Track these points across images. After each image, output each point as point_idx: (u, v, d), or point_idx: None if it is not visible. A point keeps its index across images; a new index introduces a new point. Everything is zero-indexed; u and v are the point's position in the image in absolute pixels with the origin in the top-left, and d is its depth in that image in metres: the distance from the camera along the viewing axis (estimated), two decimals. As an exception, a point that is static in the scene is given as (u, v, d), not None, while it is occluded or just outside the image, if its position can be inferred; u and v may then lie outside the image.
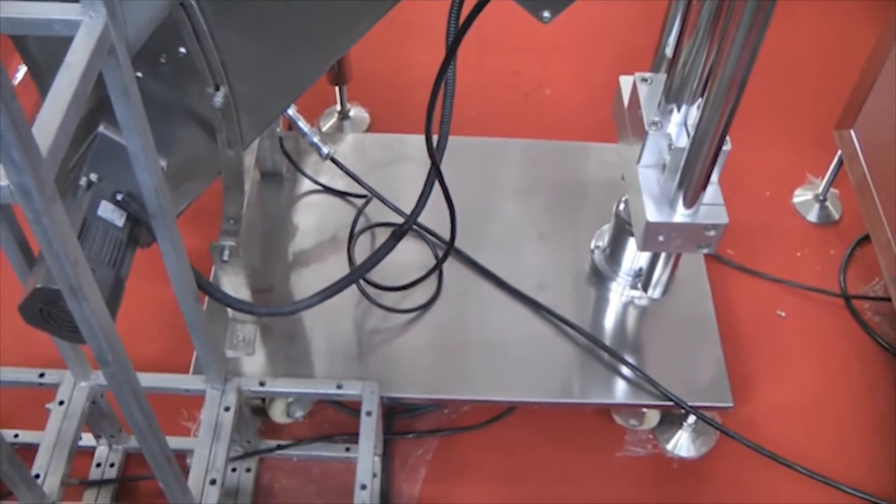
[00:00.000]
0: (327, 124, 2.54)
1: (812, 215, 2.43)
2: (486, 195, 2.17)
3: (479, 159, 2.23)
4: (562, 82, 2.75)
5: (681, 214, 1.62)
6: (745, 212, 2.36)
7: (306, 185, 2.17)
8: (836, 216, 2.43)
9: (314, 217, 2.11)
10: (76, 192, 1.44)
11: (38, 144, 0.91)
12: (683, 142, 1.60)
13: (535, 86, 2.72)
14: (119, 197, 1.44)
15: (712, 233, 1.64)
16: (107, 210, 1.43)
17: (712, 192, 1.62)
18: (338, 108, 2.53)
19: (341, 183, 2.15)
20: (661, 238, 1.64)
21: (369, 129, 2.54)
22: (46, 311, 1.30)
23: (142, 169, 1.28)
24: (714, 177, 1.60)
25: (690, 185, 1.57)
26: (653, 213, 1.62)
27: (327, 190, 2.14)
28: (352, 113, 2.54)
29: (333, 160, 2.04)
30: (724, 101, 1.44)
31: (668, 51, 1.71)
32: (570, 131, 2.53)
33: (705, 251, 1.68)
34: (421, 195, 1.56)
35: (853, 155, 2.16)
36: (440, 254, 2.01)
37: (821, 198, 2.43)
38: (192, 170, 1.59)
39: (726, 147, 1.54)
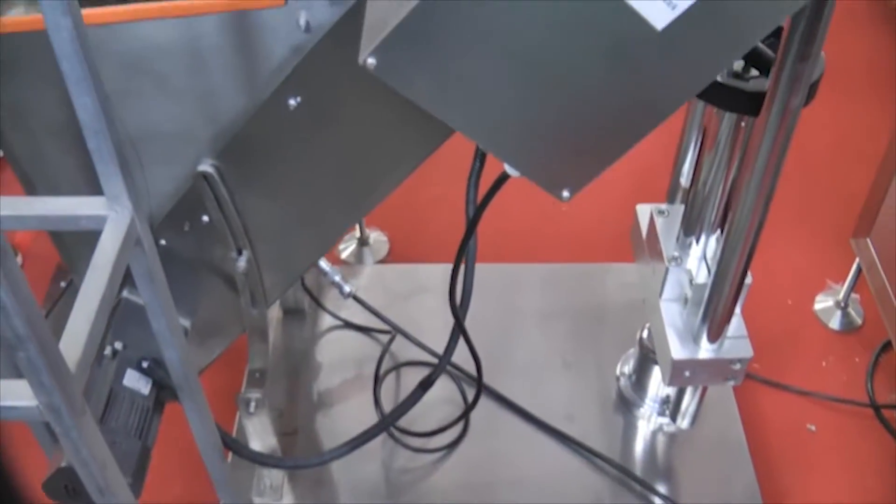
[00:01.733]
0: (347, 250, 2.56)
1: (834, 322, 2.41)
2: (508, 323, 2.17)
3: (499, 286, 2.24)
4: (577, 198, 2.76)
5: (705, 350, 1.61)
6: (768, 321, 2.35)
7: (329, 319, 2.17)
8: (859, 322, 2.42)
9: (338, 353, 2.12)
10: (101, 361, 1.45)
11: (67, 361, 0.92)
12: (704, 277, 1.61)
13: (551, 202, 2.73)
14: (145, 364, 1.45)
15: (738, 366, 1.63)
16: (132, 378, 1.44)
17: (736, 325, 1.62)
18: (357, 234, 2.55)
19: (364, 316, 2.15)
20: (687, 374, 1.64)
21: (389, 254, 2.56)
22: (71, 488, 1.30)
23: (167, 345, 1.29)
24: (737, 308, 1.60)
25: (714, 320, 1.57)
26: (678, 350, 1.61)
27: (350, 326, 2.15)
28: (371, 238, 2.56)
29: (355, 298, 2.05)
30: (745, 237, 1.44)
31: (683, 180, 1.72)
32: (588, 249, 2.53)
33: (732, 384, 1.67)
34: (446, 350, 1.56)
35: (871, 263, 2.16)
36: (466, 390, 2.00)
37: (842, 304, 2.42)
38: (216, 327, 1.60)
39: (748, 280, 1.55)
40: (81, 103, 1.00)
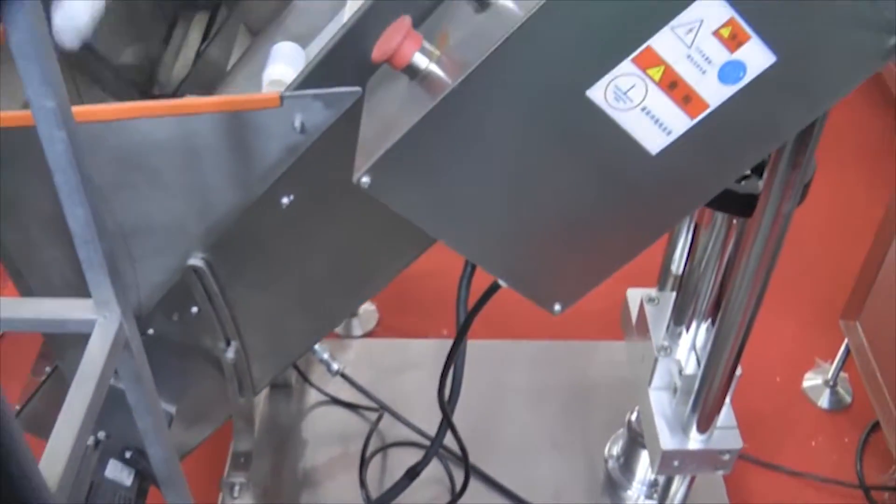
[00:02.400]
0: (335, 321, 2.54)
1: (823, 401, 2.41)
2: (497, 401, 2.16)
3: (488, 363, 2.22)
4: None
5: (695, 440, 1.60)
6: (757, 400, 2.34)
7: (316, 395, 2.16)
8: (848, 400, 2.41)
9: (325, 429, 2.10)
10: (84, 452, 1.43)
11: (47, 481, 0.91)
12: (693, 368, 1.60)
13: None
14: (128, 455, 1.44)
15: (727, 457, 1.62)
16: (115, 469, 1.43)
17: (725, 415, 1.61)
18: (345, 304, 2.54)
19: (352, 392, 2.14)
20: (676, 463, 1.63)
21: (378, 325, 2.55)
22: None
23: (152, 443, 1.27)
24: (727, 398, 1.59)
25: (704, 411, 1.56)
26: (667, 440, 1.60)
27: (338, 402, 2.13)
28: (360, 309, 2.55)
29: (343, 375, 2.04)
30: (736, 331, 1.44)
31: (675, 267, 1.73)
32: (576, 326, 2.52)
33: (721, 473, 1.66)
34: (433, 441, 1.55)
35: (860, 346, 2.16)
36: (454, 470, 1.98)
37: (831, 383, 2.41)
38: (202, 413, 1.59)
39: (738, 372, 1.54)
40: (73, 214, 1.00)
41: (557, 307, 1.08)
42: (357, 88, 1.16)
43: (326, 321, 1.50)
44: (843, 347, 2.32)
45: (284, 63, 1.36)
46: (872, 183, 2.97)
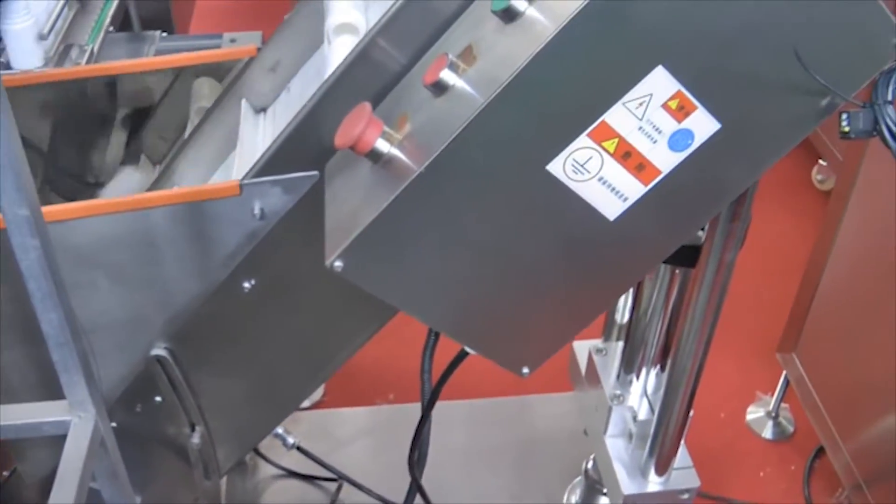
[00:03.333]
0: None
1: (767, 432, 2.48)
2: (453, 461, 2.17)
3: (443, 424, 2.23)
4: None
5: (654, 483, 1.64)
6: (704, 436, 2.39)
7: (273, 469, 2.14)
8: (791, 430, 2.49)
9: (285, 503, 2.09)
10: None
11: None
12: (646, 413, 1.65)
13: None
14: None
15: (686, 496, 1.66)
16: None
17: (681, 456, 1.65)
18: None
19: (308, 464, 2.13)
20: (637, 507, 1.66)
21: (325, 395, 2.54)
22: None
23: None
24: (682, 440, 1.64)
25: (661, 454, 1.61)
26: (627, 485, 1.64)
27: (295, 475, 2.12)
28: (306, 380, 2.54)
29: (299, 448, 2.03)
30: (686, 376, 1.49)
31: (619, 317, 1.78)
32: (520, 381, 2.56)
33: (681, 513, 1.70)
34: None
35: (799, 377, 2.24)
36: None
37: (773, 415, 2.48)
38: (167, 498, 1.58)
39: (691, 413, 1.59)
40: (47, 318, 1.00)
41: (525, 370, 1.12)
42: (315, 173, 1.19)
43: (291, 400, 1.51)
44: (782, 379, 2.40)
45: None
46: (796, 215, 3.08)
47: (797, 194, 3.22)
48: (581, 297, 1.09)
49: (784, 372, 2.35)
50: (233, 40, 1.67)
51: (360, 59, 1.14)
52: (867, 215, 1.97)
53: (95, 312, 1.29)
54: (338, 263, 0.99)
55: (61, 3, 1.83)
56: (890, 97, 0.97)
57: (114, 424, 1.43)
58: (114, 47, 1.82)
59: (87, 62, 1.74)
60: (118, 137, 1.68)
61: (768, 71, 0.94)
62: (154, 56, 1.73)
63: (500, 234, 1.01)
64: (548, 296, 1.08)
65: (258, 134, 1.44)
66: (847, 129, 0.98)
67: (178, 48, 1.75)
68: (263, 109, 1.50)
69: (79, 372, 1.05)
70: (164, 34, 1.84)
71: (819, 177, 3.14)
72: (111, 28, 1.90)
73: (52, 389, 1.13)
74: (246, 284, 1.30)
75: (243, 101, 1.46)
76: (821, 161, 3.11)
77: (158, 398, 1.41)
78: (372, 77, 1.15)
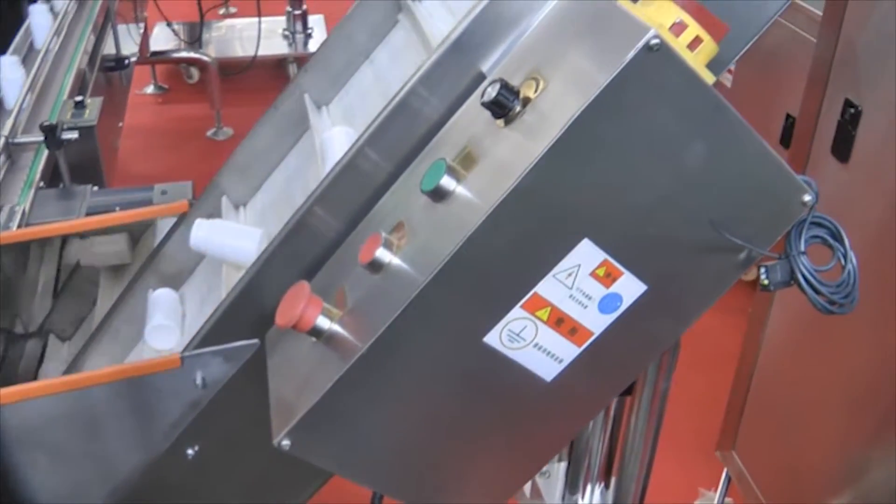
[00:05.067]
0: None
1: (713, 529, 2.50)
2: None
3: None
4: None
5: None
6: (649, 538, 2.41)
7: None
8: (736, 525, 2.52)
9: None
10: None
11: None
12: (597, 533, 1.66)
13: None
14: None
15: None
16: None
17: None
18: None
19: None
20: None
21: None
22: None
23: None
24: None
25: (613, 571, 1.62)
26: None
27: None
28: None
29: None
30: (633, 491, 1.51)
31: (561, 436, 1.80)
32: None
33: None
34: None
35: (740, 472, 2.28)
36: None
37: (717, 510, 2.51)
38: None
39: (639, 527, 1.61)
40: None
41: (476, 523, 1.14)
42: (255, 341, 1.20)
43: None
44: (724, 475, 2.44)
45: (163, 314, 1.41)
46: (722, 308, 3.14)
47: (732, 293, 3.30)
48: (524, 454, 1.11)
49: (725, 469, 2.39)
50: (164, 192, 1.69)
51: (298, 228, 1.17)
52: (794, 305, 2.03)
53: (34, 490, 1.28)
54: (285, 442, 1.00)
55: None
56: (803, 248, 1.03)
57: None
58: (45, 205, 1.82)
59: (19, 224, 1.74)
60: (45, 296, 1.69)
61: (688, 235, 0.98)
62: (85, 215, 1.74)
63: (443, 402, 1.04)
64: (492, 455, 1.10)
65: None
66: (766, 281, 1.03)
67: (110, 203, 1.76)
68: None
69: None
70: (95, 188, 1.85)
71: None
72: (41, 184, 1.91)
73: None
74: (189, 451, 1.29)
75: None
76: (742, 252, 3.20)
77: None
78: (309, 245, 1.17)
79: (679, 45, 0.93)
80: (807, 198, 1.00)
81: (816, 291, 1.03)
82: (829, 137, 1.80)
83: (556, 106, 0.91)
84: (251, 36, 4.64)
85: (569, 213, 0.93)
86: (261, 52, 4.56)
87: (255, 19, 4.54)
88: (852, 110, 1.71)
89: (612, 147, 0.91)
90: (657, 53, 0.85)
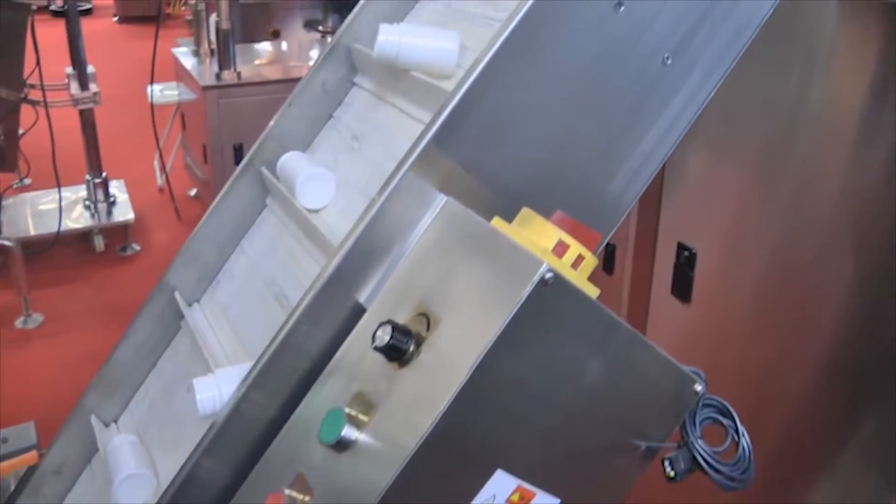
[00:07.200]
0: None
1: None
2: None
3: None
4: None
5: None
6: None
7: None
8: None
9: None
10: None
11: None
12: None
13: None
14: None
15: None
16: None
17: None
18: None
19: None
20: None
21: None
22: None
23: None
24: None
25: None
26: None
27: None
28: None
29: None
30: None
31: None
32: None
33: None
34: None
35: None
36: None
37: None
38: None
39: None
40: None
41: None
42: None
43: None
44: None
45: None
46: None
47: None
48: None
49: None
50: (5, 440, 1.54)
51: (188, 482, 1.09)
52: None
53: None
54: None
55: None
56: (699, 432, 1.05)
57: None
58: None
59: None
60: None
61: (593, 444, 0.99)
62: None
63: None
64: None
65: None
66: (672, 473, 1.04)
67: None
68: None
69: None
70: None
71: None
72: None
73: None
74: None
75: None
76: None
77: None
78: (201, 498, 1.10)
79: (564, 266, 0.94)
80: (698, 387, 1.03)
81: (717, 472, 1.04)
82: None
83: (456, 347, 0.89)
84: (51, 210, 4.44)
85: (480, 449, 0.92)
86: (63, 227, 4.36)
87: (54, 190, 4.35)
88: (686, 253, 1.79)
89: (516, 380, 0.90)
90: (551, 286, 0.86)
